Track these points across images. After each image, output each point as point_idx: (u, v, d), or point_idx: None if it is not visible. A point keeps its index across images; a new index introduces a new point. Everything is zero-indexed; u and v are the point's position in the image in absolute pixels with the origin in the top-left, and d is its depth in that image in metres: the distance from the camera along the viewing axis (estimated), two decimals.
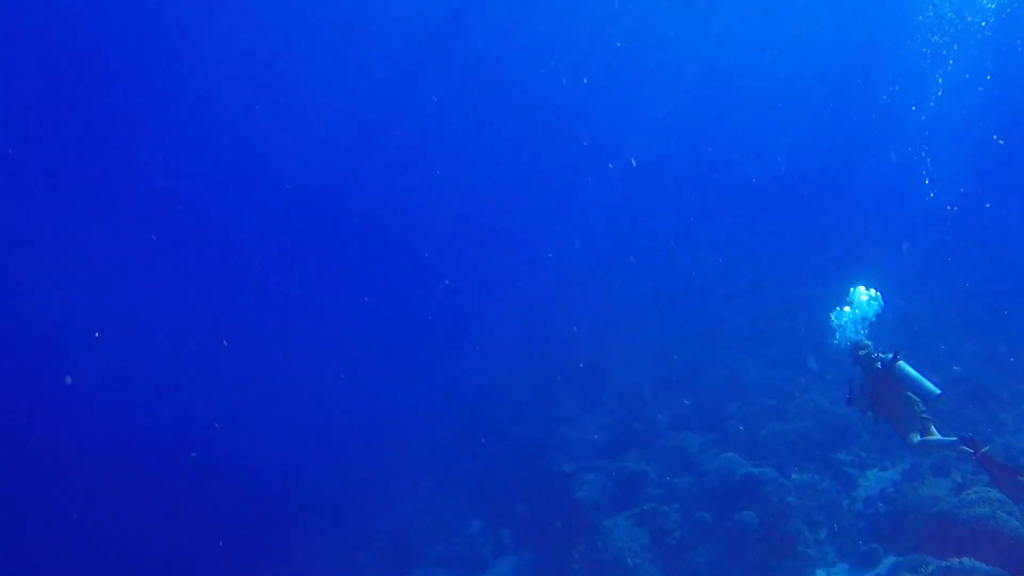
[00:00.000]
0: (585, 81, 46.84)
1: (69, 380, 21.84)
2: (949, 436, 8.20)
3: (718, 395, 19.14)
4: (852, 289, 9.77)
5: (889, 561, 11.90)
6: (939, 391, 8.06)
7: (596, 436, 19.72)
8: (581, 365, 25.00)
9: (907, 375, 8.18)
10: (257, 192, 39.52)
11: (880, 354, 8.51)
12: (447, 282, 36.60)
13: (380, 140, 43.72)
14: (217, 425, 24.89)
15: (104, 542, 18.84)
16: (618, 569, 13.27)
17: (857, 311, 9.50)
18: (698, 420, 18.37)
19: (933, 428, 8.30)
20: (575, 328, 30.47)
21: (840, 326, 9.65)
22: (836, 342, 9.69)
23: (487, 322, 34.27)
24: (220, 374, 28.64)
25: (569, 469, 17.46)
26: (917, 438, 8.25)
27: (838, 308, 9.74)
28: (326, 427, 27.82)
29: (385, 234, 41.22)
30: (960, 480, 12.03)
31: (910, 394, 8.20)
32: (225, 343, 28.91)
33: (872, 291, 9.64)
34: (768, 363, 20.64)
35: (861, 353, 8.62)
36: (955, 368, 16.94)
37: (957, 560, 8.81)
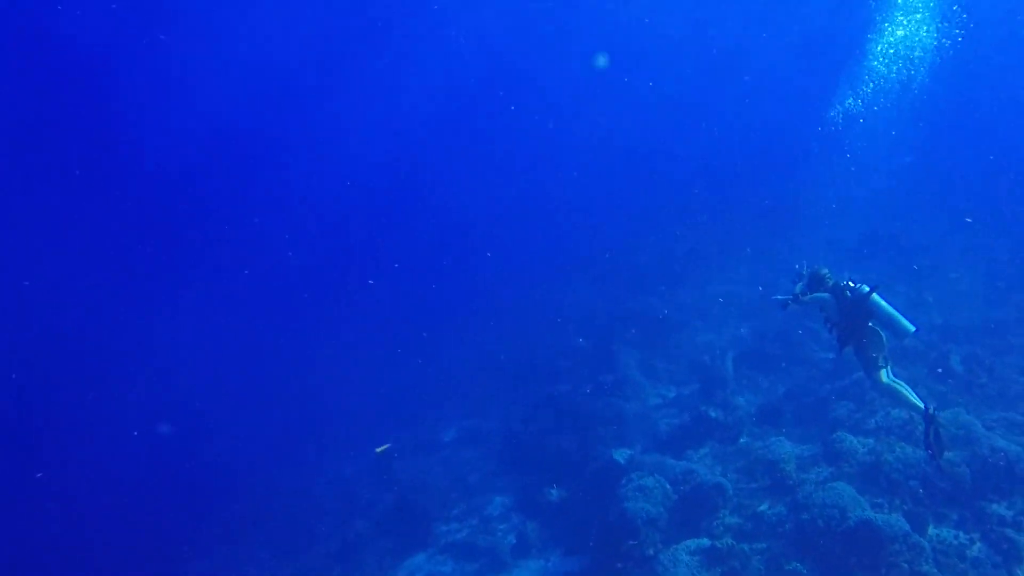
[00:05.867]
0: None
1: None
2: (919, 400, 8.19)
3: (823, 386, 14.99)
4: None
5: None
6: (914, 327, 8.08)
7: (658, 416, 15.99)
8: (663, 314, 20.98)
9: (881, 308, 8.12)
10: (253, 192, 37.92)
11: (850, 283, 8.37)
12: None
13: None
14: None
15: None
16: None
17: None
18: (793, 416, 14.38)
19: (890, 368, 8.41)
20: (644, 267, 26.59)
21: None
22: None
23: (540, 249, 30.69)
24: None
25: (622, 459, 13.88)
26: (886, 377, 8.28)
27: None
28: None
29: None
30: None
31: (877, 328, 8.22)
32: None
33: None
34: (898, 352, 15.95)
35: (829, 282, 8.53)
36: None
37: None
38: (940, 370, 14.68)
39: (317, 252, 36.61)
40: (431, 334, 24.45)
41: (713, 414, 14.41)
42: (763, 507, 11.40)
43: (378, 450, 16.84)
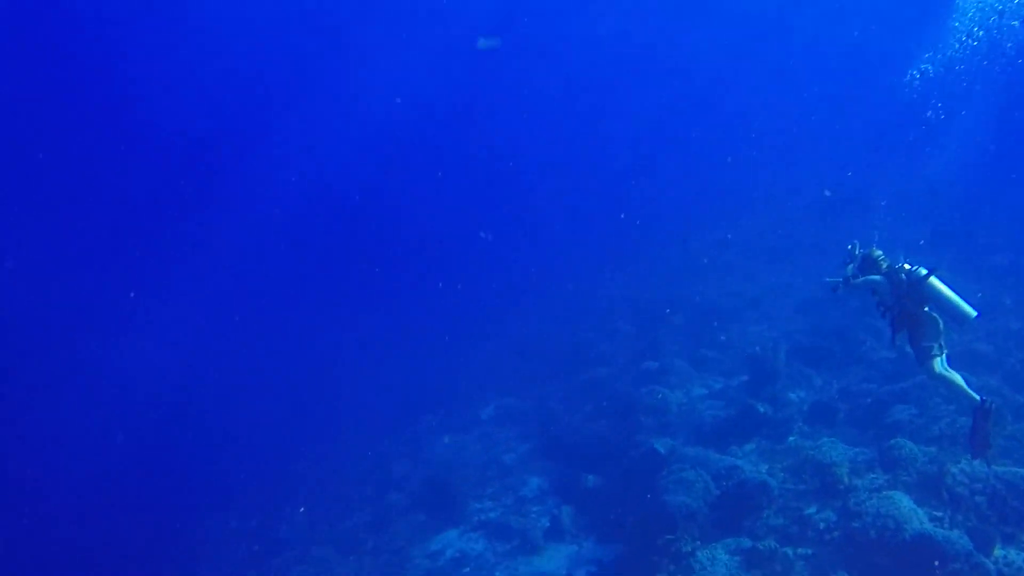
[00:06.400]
0: None
1: None
2: (973, 392, 7.66)
3: (882, 387, 14.14)
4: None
5: None
6: (975, 312, 7.59)
7: (704, 408, 15.38)
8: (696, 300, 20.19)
9: (939, 292, 7.62)
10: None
11: (905, 266, 7.87)
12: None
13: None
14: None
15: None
16: None
17: None
18: (848, 417, 13.62)
19: (944, 357, 7.86)
20: (696, 254, 25.75)
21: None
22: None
23: (589, 234, 30.05)
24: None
25: (663, 449, 13.39)
26: (939, 366, 7.75)
27: None
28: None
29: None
30: None
31: (934, 313, 7.73)
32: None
33: None
34: (969, 358, 14.32)
35: (883, 265, 8.01)
36: None
37: None
38: None
39: (358, 234, 36.51)
40: (473, 317, 24.20)
41: (762, 409, 13.80)
42: (810, 511, 10.79)
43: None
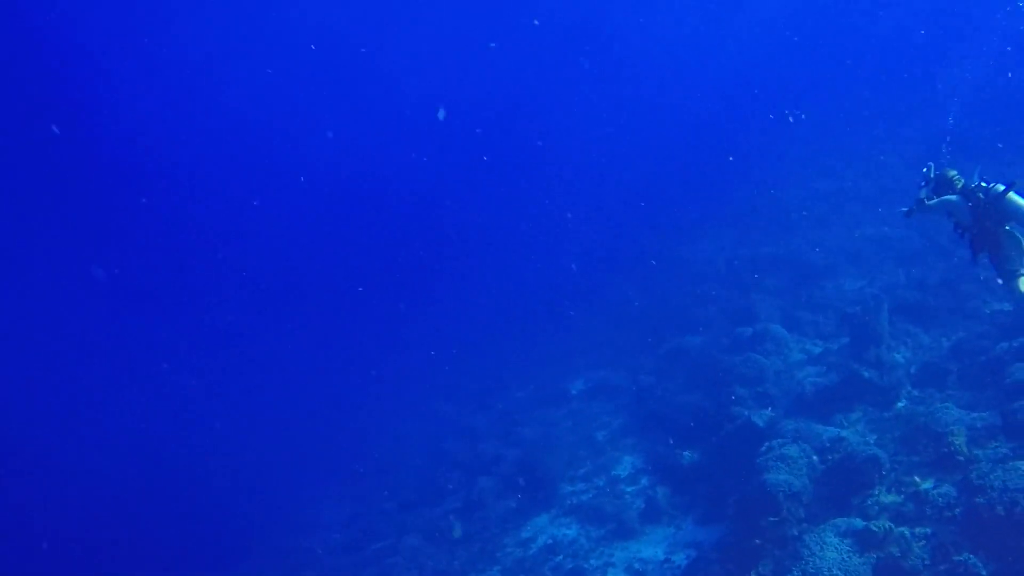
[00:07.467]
0: None
1: None
2: None
3: (999, 344, 12.94)
4: None
5: None
6: None
7: (803, 375, 14.58)
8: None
9: (1019, 208, 7.24)
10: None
11: (982, 183, 7.53)
12: None
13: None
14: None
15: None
16: None
17: None
18: (961, 379, 12.60)
19: None
20: (788, 207, 24.46)
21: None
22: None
23: (674, 193, 29.04)
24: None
25: (761, 422, 12.78)
26: None
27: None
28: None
29: None
30: None
31: (1015, 231, 7.41)
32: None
33: None
34: None
35: (959, 184, 7.69)
36: None
37: None
38: None
39: (452, 212, 36.75)
40: (559, 288, 23.84)
41: (866, 374, 12.91)
42: (926, 485, 10.03)
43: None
